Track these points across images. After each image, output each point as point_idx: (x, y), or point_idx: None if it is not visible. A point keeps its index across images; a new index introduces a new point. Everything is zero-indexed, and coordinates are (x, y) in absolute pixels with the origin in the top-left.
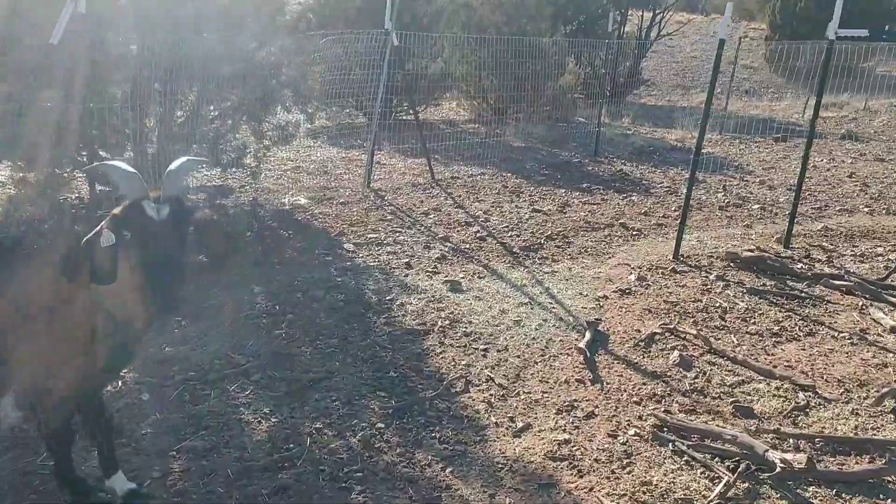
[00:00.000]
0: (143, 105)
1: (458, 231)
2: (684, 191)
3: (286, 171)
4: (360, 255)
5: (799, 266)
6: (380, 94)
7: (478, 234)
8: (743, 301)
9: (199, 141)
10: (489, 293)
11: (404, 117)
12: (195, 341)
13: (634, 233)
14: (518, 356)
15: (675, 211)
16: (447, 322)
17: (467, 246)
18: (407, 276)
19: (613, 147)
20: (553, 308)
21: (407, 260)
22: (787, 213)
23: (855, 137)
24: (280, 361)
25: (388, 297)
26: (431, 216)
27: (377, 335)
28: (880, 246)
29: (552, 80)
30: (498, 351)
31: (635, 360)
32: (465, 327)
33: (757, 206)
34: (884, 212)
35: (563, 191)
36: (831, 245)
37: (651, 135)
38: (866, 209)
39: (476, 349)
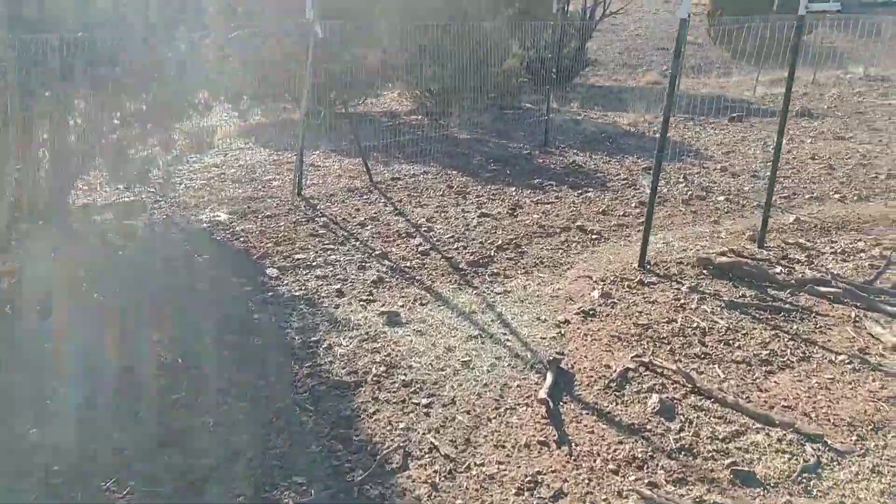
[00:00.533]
0: (28, 115)
1: (397, 245)
2: (643, 183)
3: (210, 179)
4: (285, 281)
5: (778, 270)
6: (305, 91)
7: (420, 248)
8: (722, 318)
9: (98, 155)
10: (433, 325)
11: (344, 111)
12: (71, 417)
13: (594, 237)
14: (467, 411)
15: (635, 208)
16: (383, 368)
17: (408, 264)
18: (338, 307)
19: (564, 135)
20: (507, 340)
21: (339, 286)
22: (755, 204)
23: (809, 114)
24: (174, 441)
25: (313, 339)
26: (368, 227)
27: (298, 392)
28: (860, 240)
29: (496, 65)
30: (443, 406)
31: (607, 409)
32: (404, 374)
33: (722, 198)
34: (855, 198)
35: (513, 189)
36: (808, 241)
37: (602, 119)
38: (837, 196)
39: (417, 405)
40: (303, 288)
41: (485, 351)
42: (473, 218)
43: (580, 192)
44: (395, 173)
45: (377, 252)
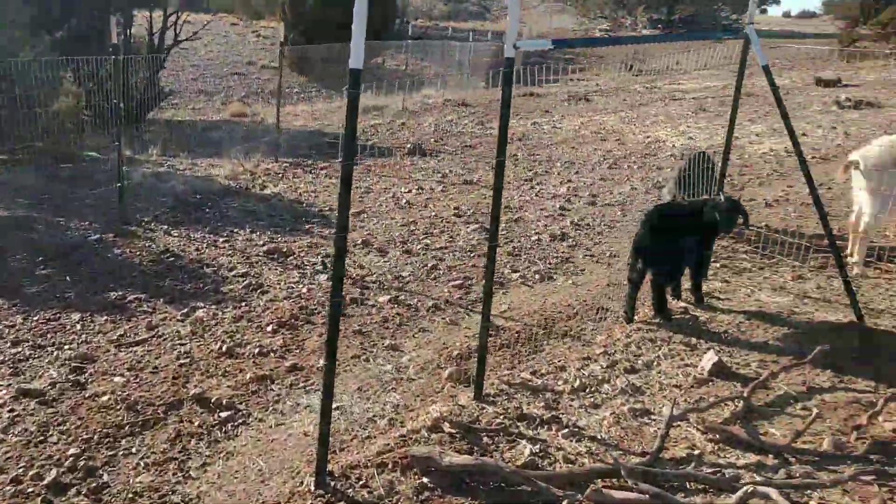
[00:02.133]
0: None
1: None
2: (270, 278)
3: None
4: None
5: (528, 452)
6: None
7: None
8: None
9: None
10: None
11: None
12: None
13: (224, 416)
14: None
15: (273, 334)
16: None
17: None
18: None
19: (147, 200)
20: None
21: None
22: (430, 305)
23: (423, 151)
24: None
25: None
26: None
27: None
28: (587, 357)
29: (42, 105)
30: None
31: None
32: None
33: (385, 298)
34: (538, 277)
35: (78, 316)
36: (534, 376)
37: (192, 171)
38: (516, 276)
39: None
40: None
41: None
42: (5, 403)
43: (186, 310)
44: None
45: None
